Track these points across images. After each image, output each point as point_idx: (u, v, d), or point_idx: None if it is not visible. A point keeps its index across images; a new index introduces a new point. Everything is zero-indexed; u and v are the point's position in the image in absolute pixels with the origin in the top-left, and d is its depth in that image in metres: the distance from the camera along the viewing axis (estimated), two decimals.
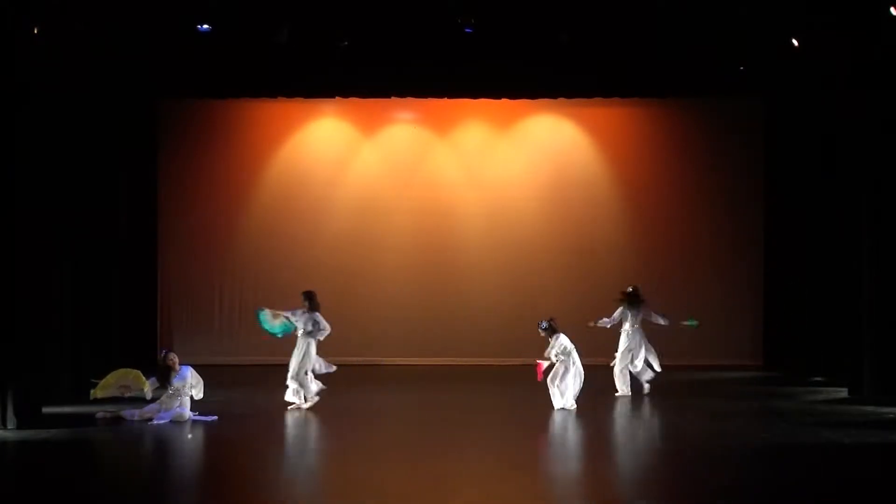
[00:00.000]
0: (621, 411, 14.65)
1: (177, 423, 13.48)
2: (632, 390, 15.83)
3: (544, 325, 14.80)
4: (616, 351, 16.05)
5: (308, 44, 17.17)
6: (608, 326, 16.10)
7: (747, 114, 19.66)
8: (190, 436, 12.64)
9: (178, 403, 13.74)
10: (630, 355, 16.00)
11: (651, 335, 19.45)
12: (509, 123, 20.19)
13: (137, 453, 12.17)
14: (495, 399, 15.73)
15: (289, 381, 14.51)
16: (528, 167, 20.16)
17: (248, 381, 14.63)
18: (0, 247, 13.11)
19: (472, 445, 12.48)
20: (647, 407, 14.92)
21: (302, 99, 19.42)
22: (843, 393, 15.57)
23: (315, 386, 14.67)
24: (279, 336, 14.70)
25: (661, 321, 16.13)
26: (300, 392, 14.55)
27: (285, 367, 14.66)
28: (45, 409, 13.71)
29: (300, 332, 14.63)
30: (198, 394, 14.02)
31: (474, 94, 18.96)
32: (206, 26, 16.37)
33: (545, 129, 20.23)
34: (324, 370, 14.80)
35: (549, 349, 14.57)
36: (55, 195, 14.61)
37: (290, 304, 19.31)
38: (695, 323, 16.30)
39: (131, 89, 17.85)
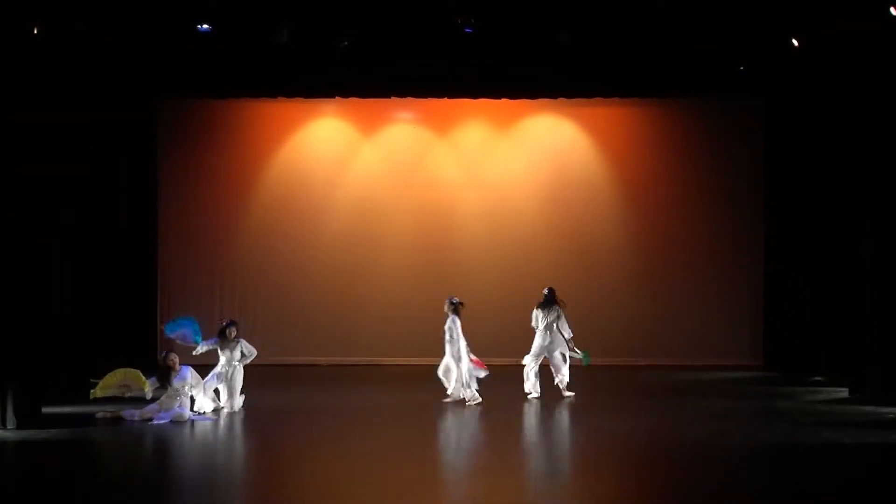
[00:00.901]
0: (616, 411, 14.60)
1: (176, 423, 13.48)
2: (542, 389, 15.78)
3: (456, 300, 15.19)
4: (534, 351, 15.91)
5: (308, 44, 17.18)
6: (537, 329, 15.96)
7: (747, 114, 19.67)
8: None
9: (177, 403, 13.75)
10: (542, 355, 15.85)
11: (655, 333, 19.55)
12: (509, 123, 20.19)
13: (137, 453, 12.17)
14: (495, 399, 15.71)
15: (228, 405, 14.46)
16: (528, 167, 20.16)
17: (247, 381, 14.64)
18: (0, 247, 13.12)
19: (472, 445, 12.47)
20: (644, 407, 14.89)
21: (302, 99, 19.43)
22: (843, 393, 15.58)
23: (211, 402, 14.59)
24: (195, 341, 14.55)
25: (565, 333, 15.82)
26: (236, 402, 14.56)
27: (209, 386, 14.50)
28: (45, 409, 13.71)
29: (233, 360, 14.49)
30: (198, 394, 14.02)
31: (474, 94, 18.97)
32: (206, 26, 16.38)
33: (545, 129, 20.22)
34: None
35: (453, 326, 14.99)
36: (55, 195, 14.62)
37: (288, 303, 19.42)
38: (584, 358, 15.81)
39: (131, 89, 17.85)
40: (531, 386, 15.75)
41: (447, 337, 15.11)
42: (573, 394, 15.61)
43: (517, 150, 20.23)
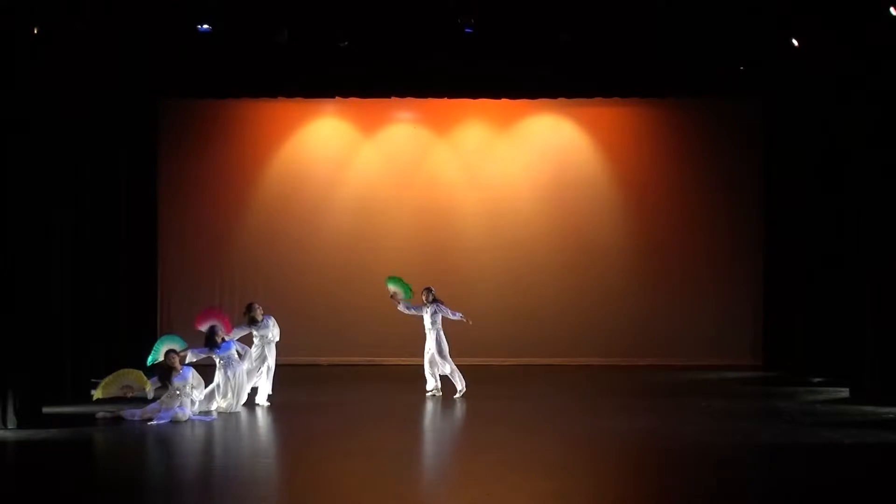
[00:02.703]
0: (616, 411, 14.59)
1: (176, 423, 13.48)
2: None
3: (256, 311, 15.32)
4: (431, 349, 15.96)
5: (308, 44, 17.18)
6: (407, 311, 16.09)
7: (747, 114, 19.66)
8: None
9: (178, 403, 13.74)
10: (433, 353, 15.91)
11: (655, 333, 19.54)
12: (509, 123, 20.19)
13: (137, 453, 12.17)
14: (495, 399, 15.73)
15: (238, 407, 14.49)
16: (528, 167, 20.15)
17: None
18: (0, 247, 13.12)
19: (472, 445, 12.47)
20: (644, 407, 14.88)
21: (302, 99, 19.42)
22: (843, 393, 15.58)
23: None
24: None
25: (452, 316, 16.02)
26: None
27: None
28: (45, 409, 13.71)
29: (229, 360, 14.51)
30: (199, 394, 14.03)
31: (474, 94, 18.96)
32: (206, 26, 16.38)
33: (545, 129, 20.22)
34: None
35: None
36: (55, 195, 14.62)
37: (288, 303, 19.37)
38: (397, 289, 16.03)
39: (131, 89, 17.85)
40: (436, 384, 15.89)
41: (272, 340, 15.27)
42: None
43: (517, 150, 20.22)
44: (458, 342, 19.37)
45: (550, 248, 19.96)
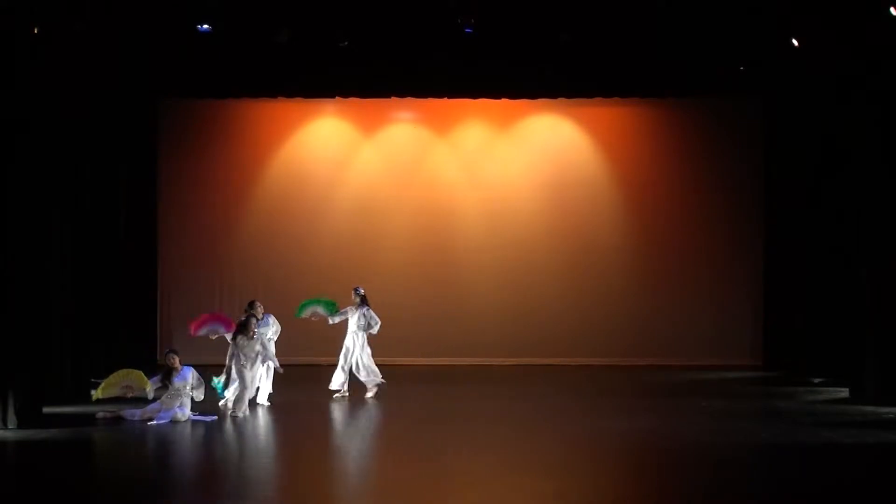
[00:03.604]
0: (616, 411, 14.61)
1: (175, 423, 13.48)
2: (350, 389, 15.74)
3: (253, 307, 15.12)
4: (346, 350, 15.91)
5: (308, 44, 17.19)
6: (334, 323, 15.97)
7: (747, 114, 19.66)
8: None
9: (178, 403, 13.74)
10: (352, 355, 15.81)
11: (655, 333, 19.55)
12: (509, 123, 20.19)
13: (137, 453, 12.17)
14: (495, 399, 15.73)
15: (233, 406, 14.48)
16: (528, 167, 20.15)
17: None
18: (0, 247, 13.12)
19: (472, 445, 12.47)
20: (644, 407, 14.88)
21: (302, 99, 19.42)
22: (843, 393, 15.58)
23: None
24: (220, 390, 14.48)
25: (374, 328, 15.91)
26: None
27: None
28: (45, 409, 13.71)
29: (249, 357, 14.53)
30: (199, 395, 14.02)
31: (474, 94, 18.96)
32: (206, 26, 16.39)
33: (545, 129, 20.21)
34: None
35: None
36: (55, 195, 14.62)
37: (288, 303, 19.37)
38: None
39: (131, 89, 17.85)
40: (343, 384, 15.71)
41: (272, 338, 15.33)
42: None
43: (517, 150, 20.22)
44: (459, 342, 19.49)
45: (550, 248, 19.95)
